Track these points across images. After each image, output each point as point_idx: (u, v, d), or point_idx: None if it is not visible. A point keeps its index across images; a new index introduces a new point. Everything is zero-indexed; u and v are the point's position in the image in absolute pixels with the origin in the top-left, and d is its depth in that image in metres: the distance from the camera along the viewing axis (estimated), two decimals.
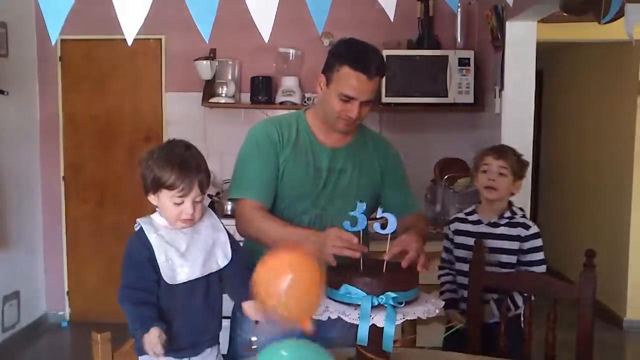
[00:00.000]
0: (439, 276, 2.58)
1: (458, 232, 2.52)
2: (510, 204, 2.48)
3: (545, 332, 2.16)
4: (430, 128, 4.55)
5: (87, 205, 4.79)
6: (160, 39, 4.58)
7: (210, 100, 4.37)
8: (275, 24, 1.34)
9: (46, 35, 1.25)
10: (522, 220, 2.42)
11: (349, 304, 1.55)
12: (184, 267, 1.68)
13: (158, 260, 1.66)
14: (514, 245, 2.38)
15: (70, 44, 4.59)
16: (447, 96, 4.14)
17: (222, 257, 1.76)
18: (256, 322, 1.73)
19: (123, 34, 1.25)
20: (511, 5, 1.70)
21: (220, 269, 1.76)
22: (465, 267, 2.42)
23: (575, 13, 2.76)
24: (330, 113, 1.96)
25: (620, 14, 2.33)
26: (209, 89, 4.39)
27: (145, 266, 1.65)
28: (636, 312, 4.90)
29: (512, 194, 2.46)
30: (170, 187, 1.65)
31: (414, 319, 1.56)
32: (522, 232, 2.39)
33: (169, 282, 1.66)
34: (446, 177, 4.16)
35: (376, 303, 1.52)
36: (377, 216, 1.61)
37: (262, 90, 4.37)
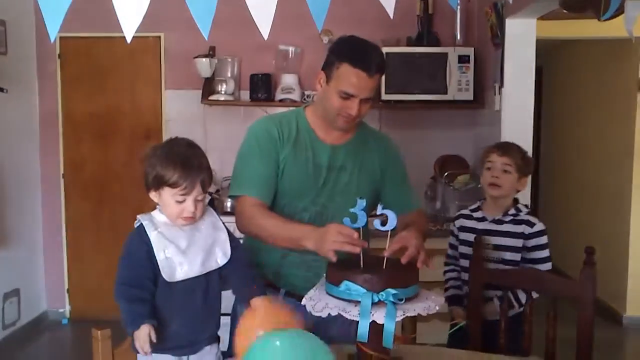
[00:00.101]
0: (444, 272, 2.58)
1: (463, 229, 2.52)
2: (515, 201, 2.47)
3: (546, 329, 2.16)
4: (430, 125, 4.55)
5: (87, 203, 4.79)
6: (160, 37, 4.57)
7: (209, 98, 4.37)
8: (275, 22, 1.34)
9: (45, 33, 1.25)
10: (526, 217, 2.41)
11: (349, 301, 1.55)
12: (183, 264, 1.68)
13: (157, 258, 1.66)
14: (518, 242, 2.38)
15: (69, 42, 4.59)
16: (446, 93, 4.14)
17: (221, 256, 1.76)
18: None
19: (122, 32, 1.25)
20: (511, 2, 1.70)
21: (220, 268, 1.76)
22: (468, 263, 2.41)
23: (574, 10, 2.75)
24: (330, 110, 1.95)
25: (620, 10, 2.32)
26: (209, 87, 4.39)
27: (142, 264, 1.65)
28: (636, 308, 4.90)
29: (518, 191, 2.46)
30: (172, 185, 1.65)
31: (414, 316, 1.56)
32: (526, 229, 2.38)
33: (167, 279, 1.66)
34: (446, 174, 4.16)
35: (376, 300, 1.52)
36: (377, 213, 1.61)
37: (262, 88, 4.37)
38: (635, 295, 4.90)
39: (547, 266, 2.36)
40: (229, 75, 4.47)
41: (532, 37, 3.72)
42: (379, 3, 1.41)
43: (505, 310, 2.28)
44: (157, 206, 1.74)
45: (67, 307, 4.84)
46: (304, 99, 4.36)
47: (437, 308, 1.60)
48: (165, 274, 1.66)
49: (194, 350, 1.75)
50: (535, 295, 2.30)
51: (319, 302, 1.58)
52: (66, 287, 4.83)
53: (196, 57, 4.30)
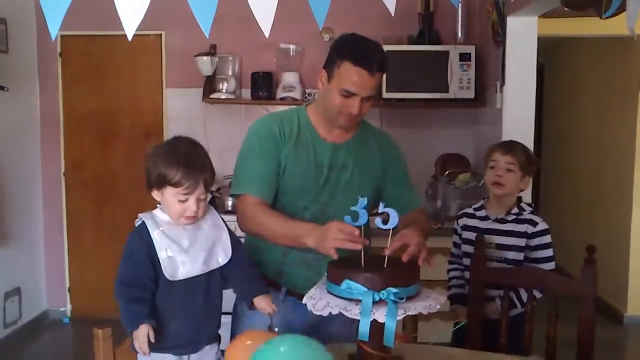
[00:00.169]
0: (448, 271, 2.58)
1: (466, 227, 2.51)
2: (519, 200, 2.46)
3: (547, 327, 2.16)
4: (431, 124, 4.54)
5: (88, 201, 4.79)
6: (161, 35, 4.57)
7: (210, 96, 4.37)
8: (276, 20, 1.34)
9: (46, 31, 1.25)
10: (529, 216, 2.41)
11: (350, 299, 1.55)
12: (185, 263, 1.68)
13: (159, 257, 1.66)
14: (521, 242, 2.37)
15: (70, 40, 4.59)
16: (448, 92, 4.13)
17: (222, 255, 1.76)
18: (269, 314, 1.75)
19: (123, 30, 1.25)
20: (512, 0, 1.70)
21: (221, 267, 1.76)
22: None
23: (576, 8, 2.74)
24: (331, 108, 1.95)
25: (621, 8, 2.32)
26: (210, 85, 4.39)
27: (143, 263, 1.65)
28: (637, 308, 4.90)
29: (521, 190, 2.45)
30: (175, 185, 1.65)
31: (415, 315, 1.56)
32: (528, 228, 2.38)
33: (169, 278, 1.66)
34: (447, 172, 4.16)
35: (377, 298, 1.52)
36: (379, 211, 1.61)
37: (263, 86, 4.37)
38: (636, 294, 4.90)
39: (550, 266, 2.35)
40: (230, 73, 4.47)
41: (534, 35, 3.71)
42: (380, 1, 1.41)
43: (507, 310, 2.27)
44: (158, 205, 1.74)
45: (68, 306, 4.84)
46: (305, 97, 4.35)
47: (438, 307, 1.60)
48: (167, 273, 1.66)
49: (194, 350, 1.75)
50: (538, 295, 2.29)
51: (320, 301, 1.58)
52: (67, 285, 4.83)
53: (197, 55, 4.29)
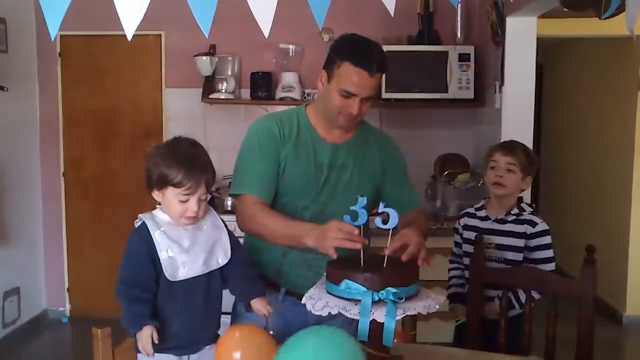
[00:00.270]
0: (449, 270, 2.58)
1: (467, 227, 2.52)
2: (519, 200, 2.46)
3: (546, 327, 2.16)
4: (431, 124, 4.55)
5: (88, 201, 4.79)
6: (160, 35, 4.57)
7: (210, 96, 4.37)
8: (275, 20, 1.34)
9: (46, 31, 1.25)
10: (529, 217, 2.40)
11: (349, 299, 1.55)
12: (186, 264, 1.68)
13: (160, 257, 1.66)
14: (520, 242, 2.37)
15: (69, 40, 4.59)
16: (447, 92, 4.14)
17: (222, 256, 1.76)
18: (265, 316, 1.76)
19: (123, 30, 1.26)
20: (511, 0, 1.70)
21: (221, 267, 1.76)
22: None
23: (575, 8, 2.75)
24: (331, 109, 1.95)
25: (621, 9, 2.32)
26: (209, 85, 4.39)
27: (144, 263, 1.65)
28: (636, 307, 4.90)
29: (522, 190, 2.45)
30: (177, 185, 1.65)
31: (415, 315, 1.56)
32: (528, 229, 2.38)
33: (170, 278, 1.66)
34: (446, 172, 4.16)
35: (377, 298, 1.52)
36: (379, 211, 1.61)
37: (262, 86, 4.37)
38: (635, 294, 4.90)
39: (550, 266, 2.35)
40: (230, 73, 4.47)
41: (533, 35, 3.72)
42: (379, 1, 1.41)
43: (505, 309, 2.27)
44: (158, 205, 1.74)
45: (67, 306, 4.84)
46: (305, 98, 4.36)
47: (437, 307, 1.60)
48: (168, 274, 1.66)
49: (194, 350, 1.75)
50: (537, 296, 2.29)
51: (319, 301, 1.58)
52: (66, 285, 4.83)
53: (197, 55, 4.29)
